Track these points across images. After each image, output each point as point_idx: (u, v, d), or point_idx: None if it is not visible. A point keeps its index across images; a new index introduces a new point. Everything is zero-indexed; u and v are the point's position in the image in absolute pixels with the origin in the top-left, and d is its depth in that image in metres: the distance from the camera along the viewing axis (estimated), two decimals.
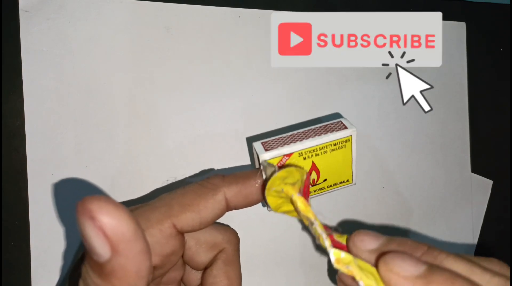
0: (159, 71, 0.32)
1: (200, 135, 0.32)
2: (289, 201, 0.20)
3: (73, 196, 0.30)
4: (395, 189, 0.38)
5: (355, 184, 0.25)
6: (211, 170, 0.32)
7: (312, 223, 0.19)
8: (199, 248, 0.22)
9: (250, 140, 0.29)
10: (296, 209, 0.20)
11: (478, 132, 0.41)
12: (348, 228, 0.36)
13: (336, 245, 0.19)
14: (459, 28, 0.40)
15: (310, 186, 0.23)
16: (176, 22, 0.32)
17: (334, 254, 0.17)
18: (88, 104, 0.30)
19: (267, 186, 0.20)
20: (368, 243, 0.19)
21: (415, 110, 0.39)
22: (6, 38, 0.29)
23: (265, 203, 0.23)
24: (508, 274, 0.18)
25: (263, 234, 0.34)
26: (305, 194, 0.21)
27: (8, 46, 0.29)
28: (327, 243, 0.18)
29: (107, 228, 0.14)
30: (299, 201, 0.19)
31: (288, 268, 0.35)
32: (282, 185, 0.20)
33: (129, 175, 0.31)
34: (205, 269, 0.23)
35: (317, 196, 0.24)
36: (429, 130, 0.39)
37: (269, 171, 0.21)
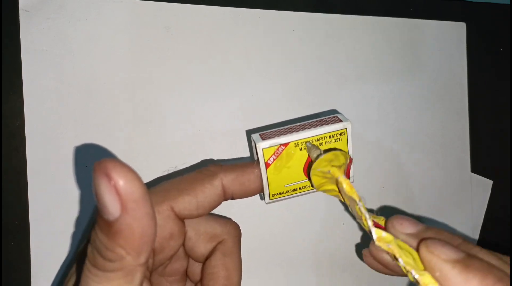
0: (159, 71, 0.32)
1: (199, 135, 0.32)
2: (332, 181, 0.22)
3: (73, 196, 0.30)
4: (395, 189, 0.38)
5: (353, 181, 0.25)
6: (211, 160, 0.32)
7: (356, 203, 0.20)
8: (199, 238, 0.23)
9: (250, 133, 0.30)
10: (340, 190, 0.21)
11: (478, 132, 0.41)
12: (350, 226, 0.36)
13: (375, 225, 0.20)
14: (459, 28, 0.40)
15: (308, 180, 0.24)
16: (176, 22, 0.32)
17: (376, 233, 0.19)
18: (88, 104, 0.30)
19: (313, 166, 0.22)
20: (407, 227, 0.20)
21: (415, 110, 0.39)
22: (6, 38, 0.29)
23: (262, 196, 0.24)
24: None
25: (267, 233, 0.34)
26: (347, 176, 0.23)
27: (8, 46, 0.29)
28: (369, 222, 0.19)
29: (119, 186, 0.15)
30: (345, 182, 0.21)
31: (291, 267, 0.35)
32: (329, 167, 0.22)
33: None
34: (205, 260, 0.23)
35: (313, 191, 0.25)
36: (429, 130, 0.39)
37: (313, 153, 0.22)
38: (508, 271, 0.18)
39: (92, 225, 0.22)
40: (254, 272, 0.34)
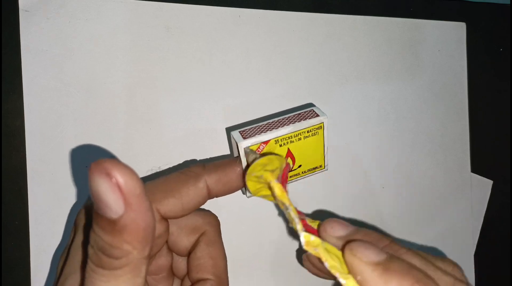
0: (159, 70, 0.32)
1: (200, 135, 0.32)
2: (268, 186, 0.22)
3: (73, 196, 0.30)
4: (395, 189, 0.38)
5: (327, 169, 0.27)
6: (194, 160, 0.32)
7: (286, 208, 0.20)
8: (181, 232, 0.23)
9: (229, 130, 0.30)
10: (272, 194, 0.21)
11: (478, 132, 0.41)
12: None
13: (308, 229, 0.20)
14: (459, 28, 0.40)
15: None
16: (176, 22, 0.32)
17: (305, 237, 0.19)
18: (88, 104, 0.30)
19: (248, 171, 0.21)
20: (337, 230, 0.21)
21: (415, 110, 0.39)
22: (6, 38, 0.29)
23: (243, 191, 0.24)
24: (459, 274, 0.19)
25: (263, 235, 0.34)
26: (283, 181, 0.22)
27: (8, 46, 0.29)
28: (298, 227, 0.19)
29: (121, 183, 0.15)
30: (276, 187, 0.21)
31: (287, 270, 0.35)
32: (262, 172, 0.21)
33: None
34: (189, 254, 0.23)
35: (293, 181, 0.25)
36: (429, 130, 0.39)
37: (250, 158, 0.22)
38: (430, 271, 0.18)
39: (77, 228, 0.22)
40: (255, 271, 0.34)
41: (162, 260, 0.24)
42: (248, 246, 0.34)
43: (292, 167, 0.24)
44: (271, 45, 0.34)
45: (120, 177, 0.15)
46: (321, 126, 0.24)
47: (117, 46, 0.31)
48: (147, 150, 0.31)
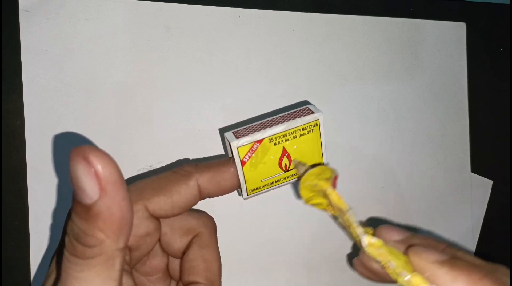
0: (159, 70, 0.32)
1: (200, 135, 0.32)
2: (320, 195, 0.22)
3: None
4: (395, 189, 0.38)
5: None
6: (187, 160, 0.32)
7: (344, 213, 0.21)
8: (174, 233, 0.23)
9: (223, 131, 0.30)
10: (329, 201, 0.22)
11: (478, 132, 0.41)
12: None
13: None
14: (459, 28, 0.40)
15: (283, 172, 0.24)
16: (176, 22, 0.32)
17: (367, 238, 0.19)
18: (88, 104, 0.30)
19: (302, 180, 0.22)
20: (395, 234, 0.21)
21: (415, 110, 0.39)
22: (6, 38, 0.29)
23: (239, 192, 0.24)
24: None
25: (258, 237, 0.34)
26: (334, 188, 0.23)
27: (8, 46, 0.29)
28: (359, 229, 0.20)
29: (97, 168, 0.15)
30: (333, 193, 0.21)
31: (289, 269, 0.35)
32: (317, 180, 0.22)
33: (128, 174, 0.31)
34: (183, 255, 0.23)
35: (291, 182, 0.25)
36: (429, 130, 0.39)
37: (301, 169, 0.23)
38: (492, 270, 0.18)
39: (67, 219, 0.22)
40: (252, 273, 0.34)
41: (157, 260, 0.24)
42: (242, 247, 0.34)
43: (289, 167, 0.24)
44: (271, 45, 0.34)
45: (97, 162, 0.15)
46: (316, 123, 0.24)
47: (117, 46, 0.31)
48: (147, 150, 0.31)
